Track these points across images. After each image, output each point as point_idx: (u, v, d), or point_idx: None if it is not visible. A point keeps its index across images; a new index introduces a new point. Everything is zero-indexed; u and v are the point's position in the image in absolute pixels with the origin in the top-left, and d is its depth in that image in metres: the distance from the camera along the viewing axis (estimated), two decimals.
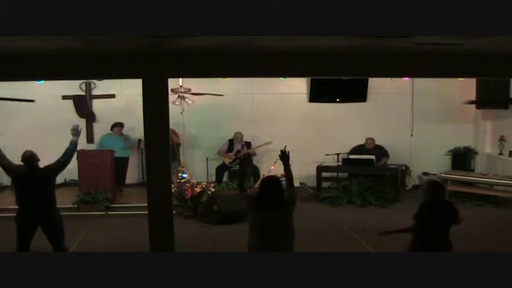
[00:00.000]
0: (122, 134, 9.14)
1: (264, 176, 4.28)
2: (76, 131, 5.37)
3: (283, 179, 4.20)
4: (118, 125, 9.15)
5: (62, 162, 5.20)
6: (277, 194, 3.92)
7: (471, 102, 9.15)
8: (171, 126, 8.90)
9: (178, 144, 9.34)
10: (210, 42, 3.33)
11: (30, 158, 5.09)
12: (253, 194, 4.14)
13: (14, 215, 5.11)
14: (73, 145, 5.32)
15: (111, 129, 9.18)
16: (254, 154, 9.38)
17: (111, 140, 9.04)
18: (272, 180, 4.03)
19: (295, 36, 3.01)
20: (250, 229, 3.97)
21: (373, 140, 9.37)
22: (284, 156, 4.21)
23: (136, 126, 9.07)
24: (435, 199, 4.28)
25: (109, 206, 8.04)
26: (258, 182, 8.91)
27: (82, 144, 9.13)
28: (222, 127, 9.68)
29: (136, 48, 3.59)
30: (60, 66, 3.89)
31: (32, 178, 5.06)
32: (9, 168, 5.21)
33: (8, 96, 8.29)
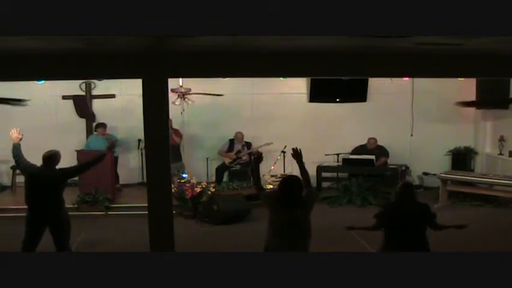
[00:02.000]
0: (105, 134, 9.10)
1: (284, 175, 4.28)
2: (112, 146, 5.36)
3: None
4: (101, 126, 9.11)
5: (80, 171, 5.19)
6: (298, 192, 3.95)
7: (466, 104, 9.12)
8: (174, 126, 8.93)
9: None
10: (210, 42, 3.33)
11: (52, 158, 5.08)
12: (273, 193, 4.16)
13: (22, 215, 5.07)
14: (100, 156, 5.30)
15: (95, 130, 9.18)
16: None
17: (96, 141, 8.97)
18: (293, 180, 4.05)
19: (295, 36, 3.01)
20: (269, 228, 3.99)
21: (375, 140, 9.36)
22: (297, 155, 4.22)
23: (136, 126, 9.06)
24: (403, 200, 4.27)
25: (109, 206, 8.04)
26: None
27: (82, 144, 9.15)
28: (222, 127, 9.68)
29: (136, 48, 3.59)
30: (60, 66, 3.90)
31: (46, 178, 5.04)
32: (24, 166, 5.20)
33: (8, 96, 8.29)
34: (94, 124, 9.32)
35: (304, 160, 4.20)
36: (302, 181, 4.11)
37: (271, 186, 8.21)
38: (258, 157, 4.34)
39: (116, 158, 9.21)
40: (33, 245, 5.00)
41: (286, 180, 4.05)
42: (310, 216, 4.08)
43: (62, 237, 5.09)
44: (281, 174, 8.12)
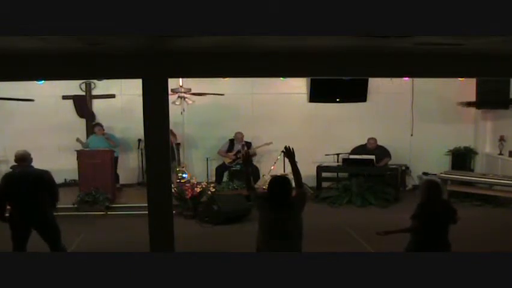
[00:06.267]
0: (104, 134, 9.11)
1: (273, 176, 4.26)
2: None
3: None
4: (97, 125, 9.14)
5: (54, 193, 5.20)
6: (286, 193, 3.91)
7: (467, 104, 9.13)
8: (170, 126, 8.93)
9: (178, 144, 9.34)
10: (210, 42, 3.32)
11: (22, 158, 5.07)
12: (262, 194, 4.14)
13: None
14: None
15: (92, 130, 9.19)
16: (254, 154, 9.39)
17: (95, 140, 9.01)
18: (280, 180, 4.02)
19: (295, 36, 3.00)
20: (259, 229, 3.97)
21: (375, 140, 9.36)
22: (289, 154, 4.20)
23: (136, 126, 9.07)
24: (433, 198, 4.27)
25: (109, 206, 8.05)
26: (258, 182, 8.95)
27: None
28: (222, 127, 9.69)
29: (136, 48, 3.59)
30: (60, 66, 3.89)
31: (25, 180, 5.03)
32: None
33: (8, 96, 8.30)
34: (93, 123, 9.32)
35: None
36: (294, 181, 4.09)
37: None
38: (247, 157, 4.33)
39: (116, 158, 9.22)
40: (21, 246, 4.99)
41: (275, 181, 4.03)
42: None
43: (51, 238, 5.08)
44: (281, 174, 8.13)
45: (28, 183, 5.00)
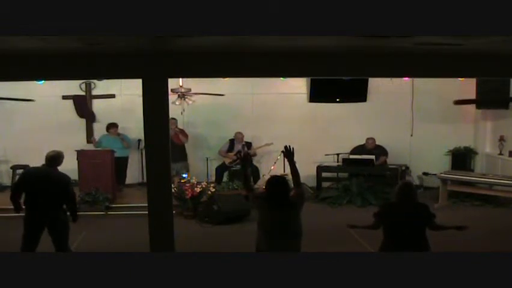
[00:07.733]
0: (119, 134, 9.14)
1: (271, 176, 4.27)
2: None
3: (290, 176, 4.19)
4: (113, 126, 9.16)
5: (71, 200, 5.27)
6: (284, 193, 3.93)
7: (461, 102, 9.09)
8: (180, 126, 8.96)
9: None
10: (210, 42, 3.32)
11: (52, 159, 5.12)
12: (261, 194, 4.15)
13: (22, 215, 5.11)
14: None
15: (107, 131, 9.19)
16: (254, 155, 9.39)
17: (109, 140, 9.05)
18: (279, 179, 4.03)
19: (295, 36, 3.00)
20: (259, 228, 3.98)
21: (373, 139, 9.37)
22: (288, 153, 4.20)
23: (136, 126, 9.08)
24: (404, 200, 4.27)
25: (109, 206, 8.05)
26: (258, 182, 8.95)
27: (82, 144, 9.15)
28: (222, 127, 9.69)
29: (136, 48, 3.59)
30: (60, 66, 3.89)
31: (42, 179, 5.07)
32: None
33: (8, 96, 8.30)
34: (106, 124, 9.31)
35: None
36: (292, 181, 4.09)
37: None
38: (245, 157, 4.31)
39: (126, 159, 9.24)
40: (33, 246, 5.01)
41: (273, 180, 4.03)
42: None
43: (61, 238, 5.11)
44: (281, 174, 8.13)
45: (45, 183, 5.04)
